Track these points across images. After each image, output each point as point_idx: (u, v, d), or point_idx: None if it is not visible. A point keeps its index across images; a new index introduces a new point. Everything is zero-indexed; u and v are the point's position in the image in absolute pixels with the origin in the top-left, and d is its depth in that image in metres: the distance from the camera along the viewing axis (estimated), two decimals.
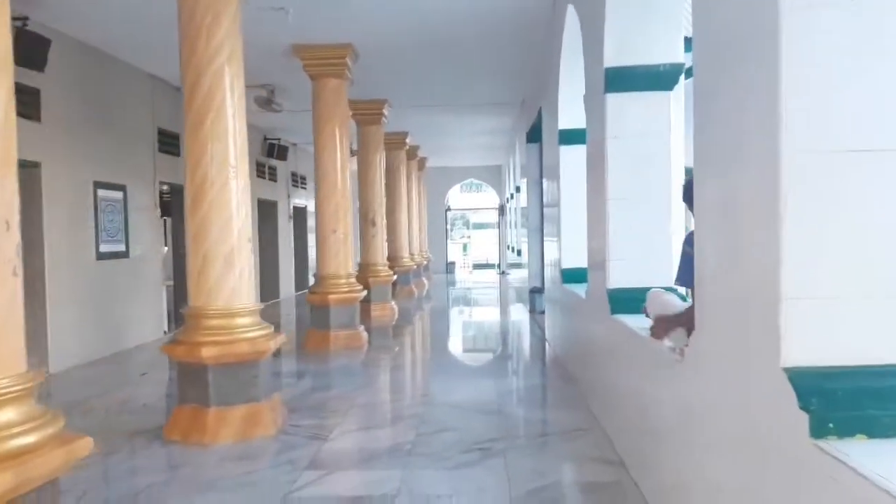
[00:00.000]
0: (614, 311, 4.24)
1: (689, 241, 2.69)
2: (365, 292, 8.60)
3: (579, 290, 5.76)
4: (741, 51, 2.09)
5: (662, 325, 3.12)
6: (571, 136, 6.57)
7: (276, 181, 14.35)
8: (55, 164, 7.05)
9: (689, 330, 2.70)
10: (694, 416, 2.63)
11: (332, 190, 8.09)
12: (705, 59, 2.51)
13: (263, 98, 9.90)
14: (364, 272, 11.18)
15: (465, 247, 30.76)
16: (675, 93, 4.29)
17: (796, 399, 1.71)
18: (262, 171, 13.60)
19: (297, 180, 15.99)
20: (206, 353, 4.40)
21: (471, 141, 16.51)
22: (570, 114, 6.60)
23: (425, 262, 18.36)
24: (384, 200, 11.61)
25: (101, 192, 7.82)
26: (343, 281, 8.14)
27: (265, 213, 13.82)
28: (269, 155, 13.61)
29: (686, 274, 2.67)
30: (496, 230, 23.93)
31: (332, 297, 7.96)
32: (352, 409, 5.19)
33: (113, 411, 5.36)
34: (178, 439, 4.46)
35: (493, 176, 22.65)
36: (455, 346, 8.65)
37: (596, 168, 4.65)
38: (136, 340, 8.42)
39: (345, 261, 8.18)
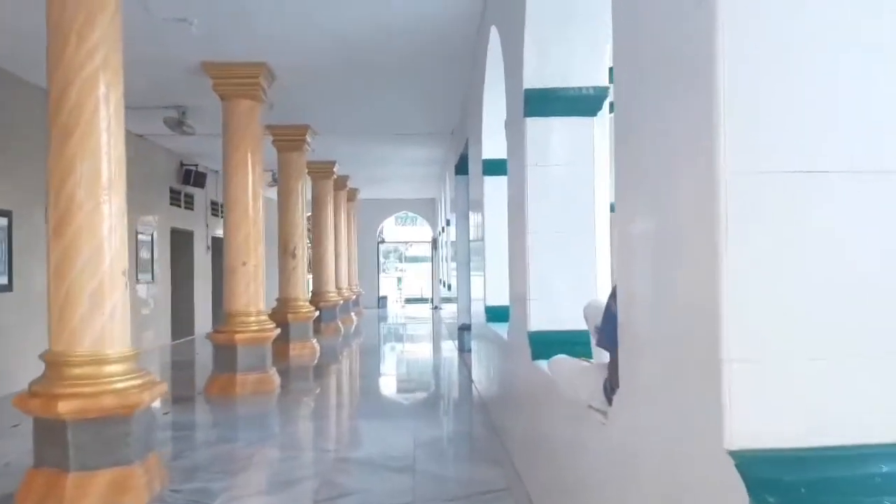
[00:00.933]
0: (536, 355, 3.82)
1: (614, 295, 2.29)
2: (278, 331, 7.95)
3: (502, 329, 5.35)
4: (669, 71, 1.71)
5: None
6: (495, 167, 6.22)
7: (192, 209, 13.53)
8: None
9: (613, 384, 2.29)
10: (623, 487, 2.20)
11: (243, 218, 7.49)
12: (627, 83, 2.11)
13: (174, 120, 9.25)
14: (283, 308, 10.51)
15: (399, 280, 30.20)
16: (599, 119, 3.98)
17: (747, 493, 1.30)
18: (177, 198, 12.79)
19: (218, 209, 15.16)
20: (64, 407, 3.72)
21: (402, 171, 16.14)
22: (494, 142, 6.27)
23: (354, 297, 17.72)
24: (305, 231, 10.99)
25: None
26: (253, 318, 7.49)
27: (180, 243, 12.97)
28: (185, 182, 12.83)
29: (611, 335, 2.27)
30: (430, 264, 23.53)
31: (239, 336, 7.29)
32: (245, 469, 4.57)
33: None
34: None
35: (427, 208, 22.32)
36: (376, 389, 8.08)
37: (516, 198, 4.27)
38: (20, 384, 7.48)
39: (255, 296, 7.55)
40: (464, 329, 10.13)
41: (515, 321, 4.50)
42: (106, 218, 3.99)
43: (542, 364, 3.67)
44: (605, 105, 3.99)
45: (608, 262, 3.98)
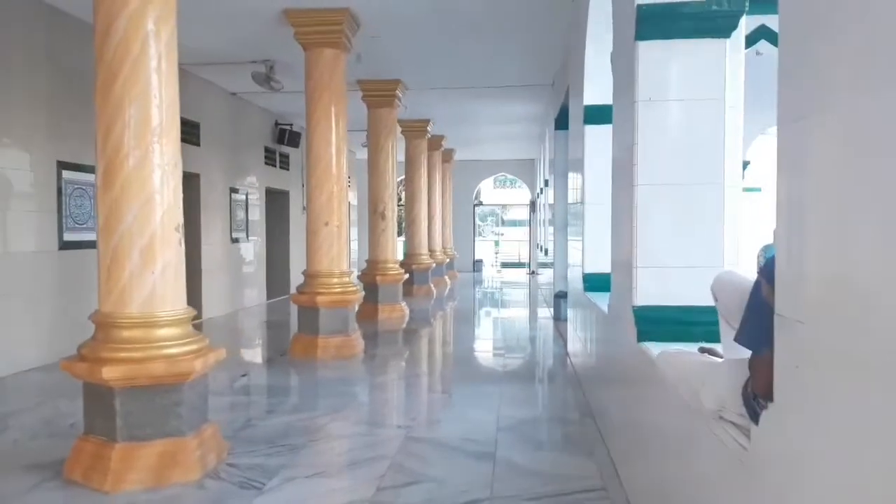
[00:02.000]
0: (643, 336, 3.12)
1: (768, 272, 1.57)
2: (362, 293, 7.57)
3: (603, 301, 4.64)
4: None
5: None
6: (598, 114, 5.44)
7: (288, 169, 13.43)
8: None
9: (757, 392, 1.59)
10: None
11: (326, 175, 7.09)
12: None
13: (262, 75, 8.96)
14: (372, 270, 10.19)
15: (496, 244, 29.61)
16: (733, 41, 3.15)
17: None
18: (272, 158, 12.71)
19: None
20: (110, 373, 3.42)
21: (500, 130, 15.37)
22: (598, 86, 5.48)
23: (448, 260, 17.30)
24: (395, 192, 10.56)
25: None
26: (336, 280, 7.13)
27: (275, 203, 12.94)
28: (279, 141, 12.70)
29: (758, 329, 1.57)
30: (528, 227, 22.73)
31: (320, 298, 6.96)
32: (310, 444, 4.16)
33: (28, 433, 4.45)
34: (79, 480, 3.51)
35: (526, 170, 21.44)
36: (462, 358, 7.56)
37: (623, 144, 3.52)
38: None
39: (338, 257, 7.17)
40: (560, 297, 9.42)
41: (618, 293, 3.79)
42: (157, 168, 3.61)
43: (651, 347, 2.97)
44: (742, 23, 3.15)
45: (741, 223, 3.20)
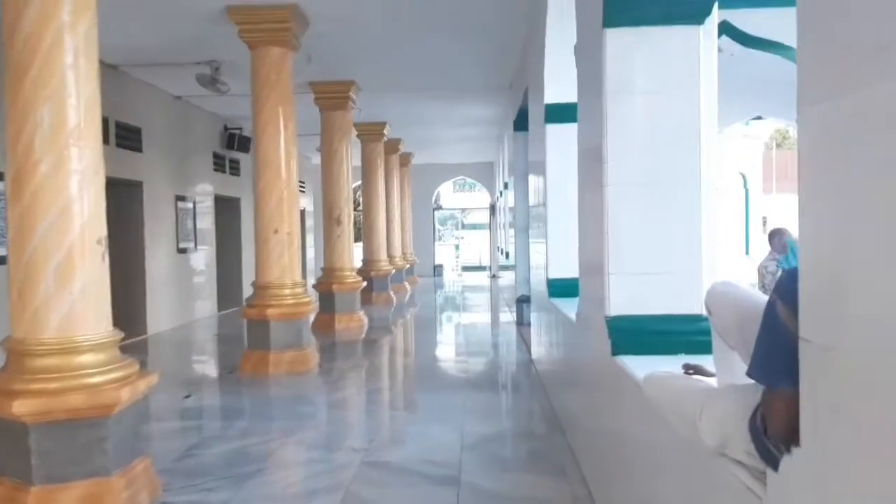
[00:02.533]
0: (618, 348, 2.86)
1: (786, 291, 1.30)
2: (315, 305, 7.20)
3: (569, 308, 4.39)
4: None
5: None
6: (560, 112, 5.21)
7: (238, 175, 12.92)
8: None
9: (775, 435, 1.33)
10: None
11: (275, 180, 6.70)
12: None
13: (207, 76, 8.51)
14: (328, 278, 9.80)
15: (457, 248, 29.37)
16: (706, 27, 2.92)
17: None
18: (221, 164, 12.19)
19: None
20: (21, 407, 3.00)
21: (458, 133, 15.11)
22: (559, 84, 5.25)
23: (408, 265, 16.97)
24: (351, 196, 10.20)
25: None
26: (287, 291, 6.74)
27: (226, 211, 12.41)
28: (229, 146, 12.19)
29: (773, 358, 1.31)
30: (488, 231, 22.54)
31: (271, 311, 6.57)
32: (257, 474, 3.80)
33: None
34: None
35: (485, 173, 21.25)
36: (423, 370, 7.24)
37: (590, 141, 3.27)
38: None
39: (290, 266, 6.79)
40: (522, 301, 9.20)
41: (588, 301, 3.53)
42: (73, 174, 3.22)
43: (626, 362, 2.72)
44: (714, 9, 2.93)
45: (720, 225, 2.98)
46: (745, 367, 1.60)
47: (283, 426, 4.79)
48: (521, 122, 8.96)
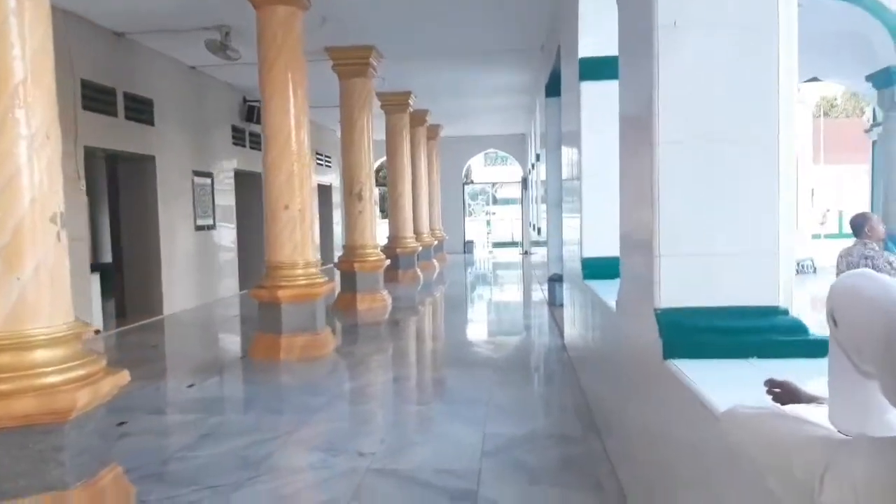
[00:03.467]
0: (671, 351, 2.27)
1: None
2: (333, 284, 6.72)
3: (607, 292, 3.80)
4: None
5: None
6: (597, 68, 4.58)
7: (259, 150, 12.41)
8: None
9: None
10: None
11: (284, 151, 6.20)
12: None
13: (216, 42, 8.01)
14: (349, 256, 9.33)
15: (488, 223, 28.73)
16: None
17: None
18: (240, 138, 11.76)
19: None
20: None
21: (487, 103, 14.40)
22: (597, 33, 4.59)
23: (437, 242, 16.43)
24: (373, 170, 9.66)
25: None
26: (300, 271, 6.27)
27: (247, 187, 11.99)
28: (248, 119, 11.74)
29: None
30: (520, 206, 21.84)
31: (282, 292, 6.10)
32: (246, 484, 3.32)
33: None
34: None
35: (517, 146, 20.49)
36: (446, 357, 6.72)
37: (637, 90, 2.65)
38: None
39: (302, 244, 6.30)
40: (555, 280, 8.60)
41: (631, 287, 2.94)
42: (21, 139, 2.72)
43: (682, 368, 2.14)
44: None
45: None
46: (891, 409, 1.02)
47: (287, 421, 4.33)
48: (553, 87, 8.28)
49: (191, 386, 5.32)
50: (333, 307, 9.00)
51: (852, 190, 22.56)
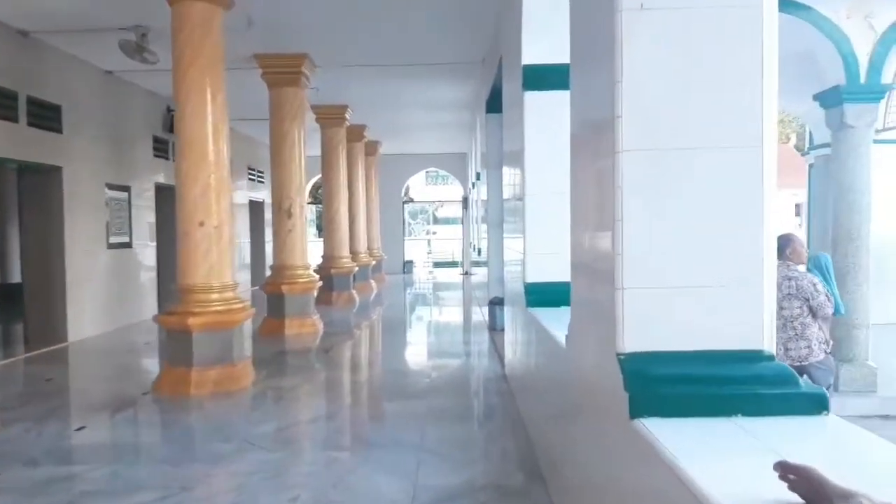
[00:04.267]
0: (639, 408, 1.83)
1: None
2: (252, 310, 6.10)
3: (554, 323, 3.39)
4: None
5: None
6: (542, 76, 4.21)
7: None
8: None
9: None
10: None
11: (200, 162, 5.59)
12: None
13: (131, 44, 7.34)
14: (277, 277, 8.69)
15: (428, 243, 28.33)
16: None
17: None
18: (162, 149, 10.97)
19: None
20: None
21: (428, 119, 14.02)
22: (542, 41, 4.23)
23: (375, 262, 15.87)
24: (304, 185, 9.07)
25: None
26: (215, 296, 5.64)
27: (169, 202, 11.16)
28: (171, 129, 10.92)
29: None
30: (461, 225, 21.50)
31: (194, 319, 5.46)
32: None
33: None
34: None
35: (457, 164, 20.19)
36: (377, 390, 6.16)
37: (593, 91, 2.24)
38: None
39: (219, 265, 5.68)
40: (495, 304, 8.20)
41: (585, 321, 2.51)
42: None
43: (654, 430, 1.71)
44: None
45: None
46: None
47: (185, 474, 3.70)
48: (494, 103, 7.97)
49: (80, 429, 4.62)
50: (259, 333, 8.34)
51: (779, 215, 23.17)
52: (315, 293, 9.05)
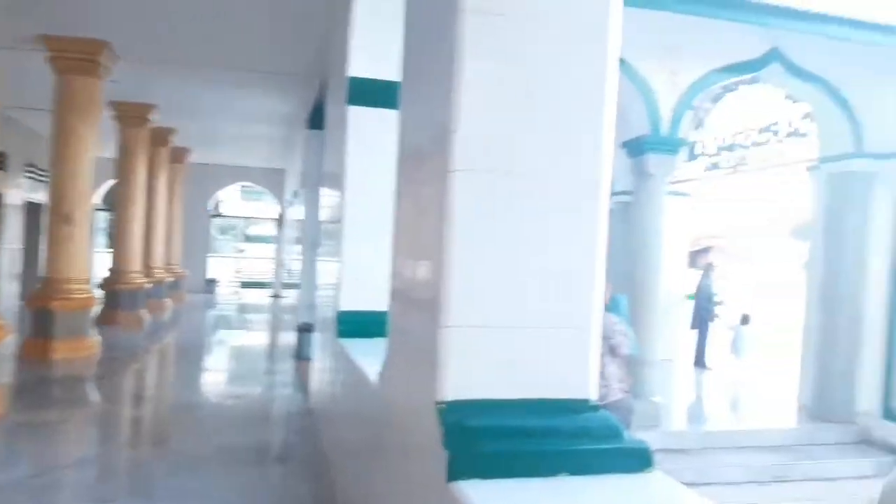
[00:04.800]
0: (458, 468, 1.58)
1: None
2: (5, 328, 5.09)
3: (367, 356, 3.09)
4: None
5: None
6: (370, 91, 3.97)
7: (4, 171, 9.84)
8: None
9: None
10: None
11: None
12: None
13: None
14: (48, 291, 7.47)
15: (237, 262, 26.76)
16: None
17: None
18: None
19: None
20: None
21: (244, 130, 13.18)
22: (371, 53, 3.99)
23: (173, 279, 14.51)
24: (91, 189, 7.97)
25: None
26: None
27: None
28: None
29: None
30: (276, 245, 20.52)
31: None
32: None
33: None
34: None
35: (275, 181, 19.27)
36: (158, 427, 5.40)
37: (424, 103, 2.02)
38: None
39: None
40: (304, 330, 7.72)
41: (403, 358, 2.25)
42: None
43: (474, 495, 1.47)
44: None
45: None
46: None
47: None
48: (316, 119, 7.61)
49: None
50: (21, 354, 7.09)
51: None
52: (94, 311, 7.92)
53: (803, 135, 8.25)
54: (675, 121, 6.60)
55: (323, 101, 6.76)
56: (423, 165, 2.00)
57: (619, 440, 1.73)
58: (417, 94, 2.17)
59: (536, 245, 1.72)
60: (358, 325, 3.85)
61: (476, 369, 1.69)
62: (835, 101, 6.84)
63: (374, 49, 3.90)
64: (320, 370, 5.24)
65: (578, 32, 1.70)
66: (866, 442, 6.75)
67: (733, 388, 9.57)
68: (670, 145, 6.72)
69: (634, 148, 6.67)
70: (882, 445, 6.60)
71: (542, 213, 1.71)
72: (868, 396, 6.89)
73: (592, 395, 1.80)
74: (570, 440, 1.66)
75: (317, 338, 5.82)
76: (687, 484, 1.69)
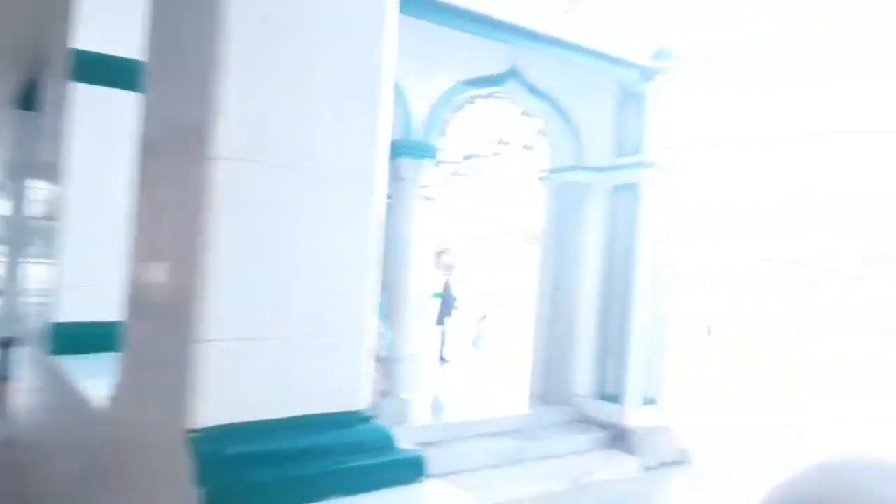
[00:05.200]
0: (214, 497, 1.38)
1: None
2: None
3: (93, 377, 2.63)
4: None
5: None
6: (101, 68, 3.45)
7: None
8: None
9: None
10: None
11: None
12: None
13: None
14: None
15: None
16: None
17: None
18: None
19: None
20: None
21: None
22: (104, 22, 3.46)
23: None
24: None
25: None
26: None
27: None
28: None
29: None
30: None
31: None
32: None
33: None
34: None
35: None
36: None
37: (178, 85, 1.75)
38: None
39: None
40: (6, 345, 6.49)
41: (137, 376, 1.93)
42: None
43: None
44: None
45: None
46: None
47: None
48: (28, 99, 6.46)
49: None
50: None
51: None
52: None
53: (531, 148, 9.15)
54: (428, 127, 6.83)
55: (37, 76, 5.76)
56: (174, 154, 1.73)
57: (391, 452, 1.66)
58: (168, 71, 1.88)
59: (306, 245, 1.58)
60: (80, 338, 3.30)
61: (238, 388, 1.50)
62: (562, 118, 7.66)
63: (108, 19, 3.38)
64: (28, 393, 4.43)
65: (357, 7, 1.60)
66: (584, 420, 7.65)
67: (474, 380, 10.26)
68: (421, 150, 6.95)
69: (390, 152, 6.75)
70: (595, 422, 7.53)
71: (315, 210, 1.57)
72: (583, 380, 7.81)
73: (364, 405, 1.71)
74: (342, 458, 1.55)
75: (24, 354, 4.92)
76: (434, 475, 1.68)
